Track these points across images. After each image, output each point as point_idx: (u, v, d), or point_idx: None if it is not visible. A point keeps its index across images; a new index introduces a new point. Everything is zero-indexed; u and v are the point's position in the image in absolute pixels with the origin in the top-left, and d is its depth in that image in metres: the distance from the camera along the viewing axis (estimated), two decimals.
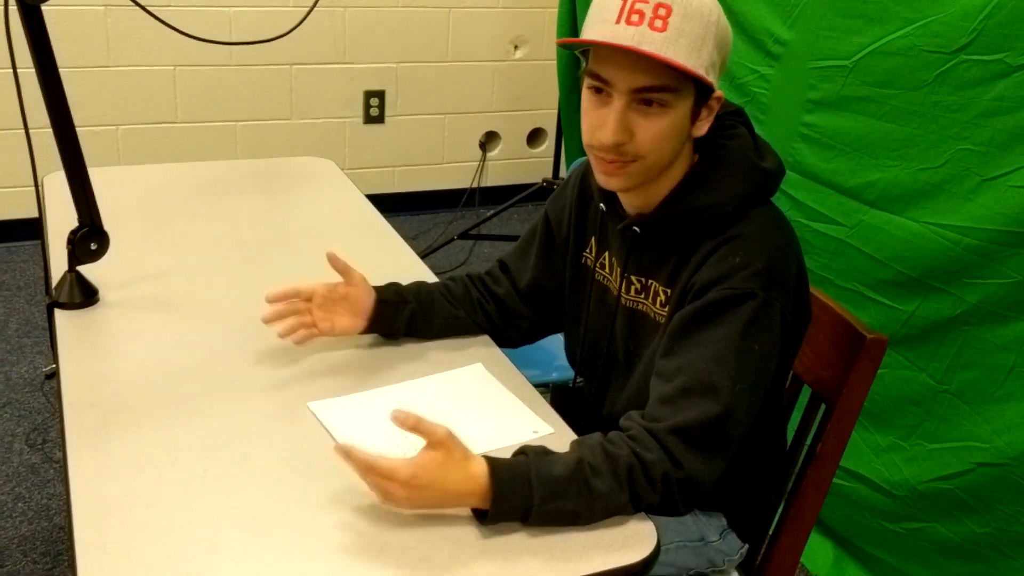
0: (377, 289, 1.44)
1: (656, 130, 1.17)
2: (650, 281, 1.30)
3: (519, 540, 1.08)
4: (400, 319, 1.44)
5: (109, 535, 1.04)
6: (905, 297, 1.94)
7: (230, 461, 1.17)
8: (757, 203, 1.24)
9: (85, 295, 1.51)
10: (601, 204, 1.36)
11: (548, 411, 1.33)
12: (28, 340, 2.88)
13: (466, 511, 1.10)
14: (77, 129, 1.44)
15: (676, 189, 1.25)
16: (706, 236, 1.22)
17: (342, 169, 2.27)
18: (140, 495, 1.10)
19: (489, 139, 4.14)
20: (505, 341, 1.54)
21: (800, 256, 1.26)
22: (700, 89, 1.18)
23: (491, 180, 4.16)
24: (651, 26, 1.12)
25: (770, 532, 1.44)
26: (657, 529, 1.12)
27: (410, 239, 1.80)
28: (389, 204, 2.08)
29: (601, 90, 1.18)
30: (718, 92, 1.19)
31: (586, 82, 1.20)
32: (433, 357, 1.45)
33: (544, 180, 3.41)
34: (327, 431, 1.24)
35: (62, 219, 1.63)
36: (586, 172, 1.42)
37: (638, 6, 1.13)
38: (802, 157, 2.15)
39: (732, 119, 1.29)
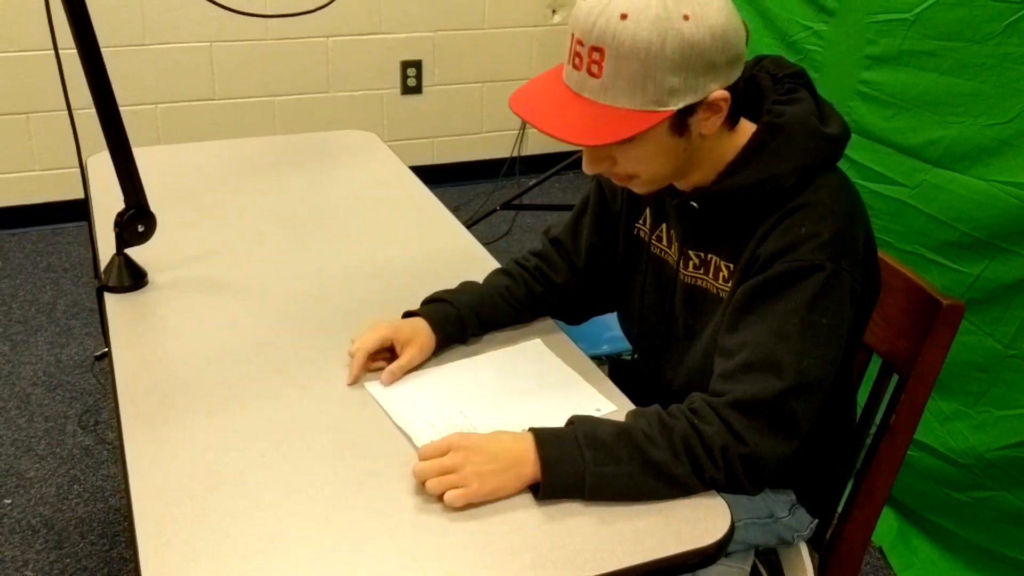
0: (435, 325, 1.34)
1: (634, 156, 1.14)
2: (710, 256, 1.25)
3: (584, 523, 1.05)
4: (464, 339, 1.39)
5: (169, 524, 1.02)
6: (970, 259, 1.87)
7: (288, 445, 1.15)
8: (822, 170, 1.18)
9: (134, 278, 1.49)
10: None
11: (611, 387, 1.29)
12: (76, 322, 2.89)
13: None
14: None
15: (734, 162, 1.19)
16: (769, 209, 1.16)
17: (378, 138, 2.23)
18: (199, 481, 1.08)
19: None
20: (561, 317, 1.51)
21: (868, 223, 1.20)
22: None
23: (531, 148, 4.10)
24: (589, 71, 1.08)
25: (840, 507, 1.40)
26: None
27: (452, 211, 1.77)
28: (429, 176, 2.04)
29: None
30: (719, 93, 1.10)
31: None
32: (490, 335, 1.41)
33: None
34: (385, 412, 1.21)
35: (107, 200, 1.61)
36: None
37: (578, 49, 1.09)
38: (860, 116, 2.07)
39: (792, 81, 1.23)
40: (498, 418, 1.20)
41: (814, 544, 1.42)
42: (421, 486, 1.07)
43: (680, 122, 1.11)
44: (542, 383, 1.29)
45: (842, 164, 2.14)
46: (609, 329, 2.01)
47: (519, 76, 3.96)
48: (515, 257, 1.51)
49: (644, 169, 1.16)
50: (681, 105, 1.08)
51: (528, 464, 1.06)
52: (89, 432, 2.39)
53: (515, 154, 4.05)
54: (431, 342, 1.33)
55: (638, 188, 1.22)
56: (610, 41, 1.04)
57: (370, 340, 1.30)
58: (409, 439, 1.16)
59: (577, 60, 1.09)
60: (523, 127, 4.04)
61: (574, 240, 1.47)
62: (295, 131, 3.67)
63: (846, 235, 1.13)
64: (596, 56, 1.06)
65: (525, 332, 1.42)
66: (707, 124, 1.13)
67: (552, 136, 1.09)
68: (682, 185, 1.25)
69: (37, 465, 2.26)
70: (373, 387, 1.25)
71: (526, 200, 3.51)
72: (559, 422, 1.18)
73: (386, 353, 1.32)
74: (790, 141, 1.16)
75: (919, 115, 1.94)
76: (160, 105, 3.47)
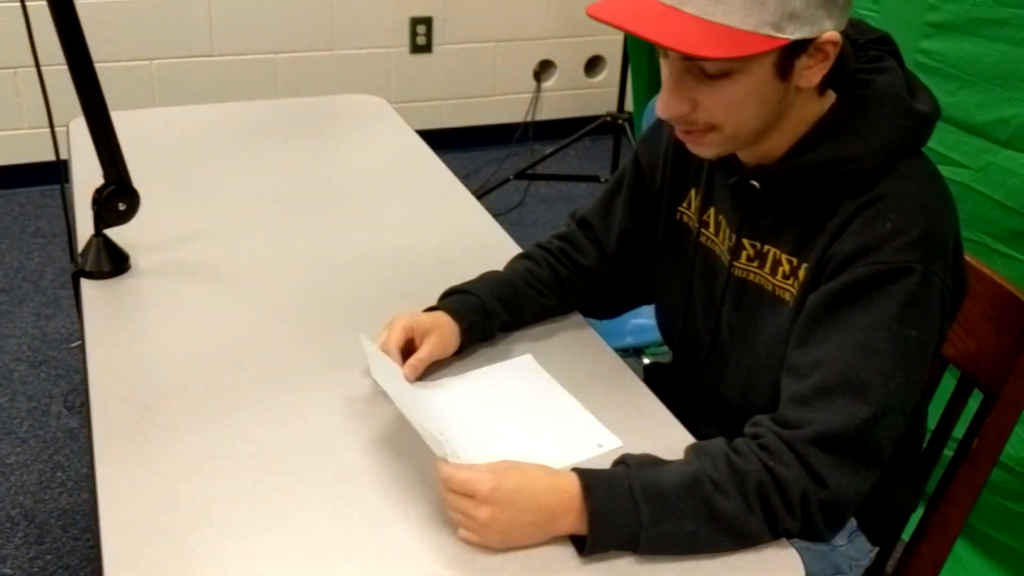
0: (456, 315, 1.19)
1: (722, 99, 0.96)
2: (767, 247, 1.09)
3: (625, 568, 0.90)
4: (491, 330, 1.24)
5: (144, 566, 0.87)
6: None
7: (286, 469, 0.99)
8: (908, 154, 1.01)
9: (115, 263, 1.33)
10: None
11: (651, 399, 1.13)
12: (65, 292, 2.72)
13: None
14: (108, 65, 1.25)
15: (807, 136, 1.03)
16: (846, 195, 1.00)
17: (388, 103, 2.05)
18: (180, 515, 0.93)
19: (544, 68, 3.89)
20: (592, 312, 1.35)
21: (957, 220, 1.04)
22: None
23: (546, 113, 3.91)
24: None
25: (909, 536, 1.24)
26: None
27: (462, 178, 1.62)
28: (438, 140, 1.90)
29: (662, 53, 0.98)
30: (830, 35, 0.94)
31: None
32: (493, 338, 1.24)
33: (609, 114, 3.15)
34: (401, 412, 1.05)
35: (89, 171, 1.44)
36: None
37: None
38: None
39: (877, 47, 1.06)
40: (482, 452, 1.00)
41: (872, 574, 1.27)
42: (444, 523, 0.93)
43: (787, 62, 0.95)
44: (530, 413, 1.11)
45: None
46: (635, 316, 1.84)
47: (534, 36, 3.77)
48: (538, 241, 1.35)
49: (730, 117, 0.98)
50: (798, 36, 0.92)
51: (567, 518, 0.91)
52: (75, 414, 2.23)
53: (529, 119, 3.86)
54: (454, 333, 1.18)
55: (711, 147, 1.03)
56: None
57: (395, 335, 1.15)
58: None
59: None
60: (537, 91, 3.85)
61: (605, 222, 1.30)
62: (298, 91, 3.49)
63: (937, 233, 0.98)
64: None
65: (551, 329, 1.27)
66: (810, 73, 0.97)
67: (653, 41, 0.90)
68: (748, 156, 1.08)
69: (18, 449, 2.11)
70: (388, 383, 1.08)
71: (541, 169, 3.34)
72: (555, 462, 1.00)
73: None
74: (877, 115, 1.00)
75: (986, 90, 1.76)
76: (155, 61, 3.28)
